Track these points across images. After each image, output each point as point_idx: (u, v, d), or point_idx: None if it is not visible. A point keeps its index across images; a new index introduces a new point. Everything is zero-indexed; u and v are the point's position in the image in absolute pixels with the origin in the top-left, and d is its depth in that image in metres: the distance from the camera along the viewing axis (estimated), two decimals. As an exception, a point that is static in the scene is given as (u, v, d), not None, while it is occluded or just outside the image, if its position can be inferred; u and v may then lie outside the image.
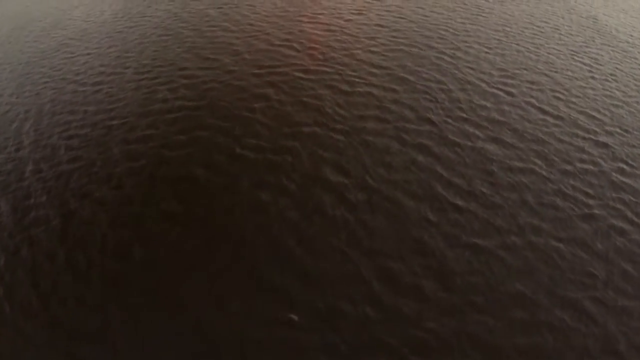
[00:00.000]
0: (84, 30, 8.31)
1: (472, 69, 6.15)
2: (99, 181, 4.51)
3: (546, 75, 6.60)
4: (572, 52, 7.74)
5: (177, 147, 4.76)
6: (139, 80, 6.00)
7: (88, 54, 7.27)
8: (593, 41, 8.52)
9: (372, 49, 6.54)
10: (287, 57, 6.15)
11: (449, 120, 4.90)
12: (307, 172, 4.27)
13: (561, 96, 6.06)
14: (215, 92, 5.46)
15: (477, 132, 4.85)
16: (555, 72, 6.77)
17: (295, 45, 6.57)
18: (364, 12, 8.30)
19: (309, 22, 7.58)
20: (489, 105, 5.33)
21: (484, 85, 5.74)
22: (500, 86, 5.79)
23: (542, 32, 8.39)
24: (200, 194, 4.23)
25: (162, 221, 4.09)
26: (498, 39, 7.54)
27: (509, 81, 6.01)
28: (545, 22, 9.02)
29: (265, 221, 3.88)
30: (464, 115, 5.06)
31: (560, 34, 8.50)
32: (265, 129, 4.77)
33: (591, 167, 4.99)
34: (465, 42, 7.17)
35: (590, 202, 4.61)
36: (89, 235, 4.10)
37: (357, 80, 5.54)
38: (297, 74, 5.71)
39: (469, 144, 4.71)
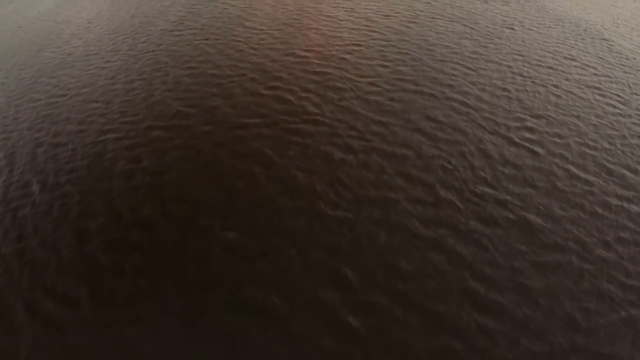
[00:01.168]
0: (54, 68, 7.52)
1: (489, 118, 5.40)
2: (50, 284, 3.70)
3: (569, 120, 5.86)
4: (593, 86, 7.02)
5: (137, 240, 3.95)
6: (100, 139, 5.20)
7: (54, 103, 6.46)
8: (612, 70, 7.82)
9: (374, 95, 5.76)
10: (276, 110, 5.34)
11: (471, 197, 4.12)
12: (299, 282, 3.47)
13: (589, 149, 5.31)
14: (187, 161, 4.64)
15: (503, 211, 4.08)
16: (579, 115, 6.03)
17: (285, 92, 5.78)
18: (362, 45, 7.55)
19: (301, 61, 6.80)
20: (513, 170, 4.56)
21: (504, 141, 4.98)
22: (522, 141, 5.03)
23: (557, 62, 7.69)
24: (165, 308, 3.43)
25: (120, 352, 3.29)
26: (513, 75, 6.82)
27: (531, 134, 5.26)
28: (559, 50, 8.33)
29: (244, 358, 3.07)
30: (487, 186, 4.28)
31: (576, 64, 7.80)
32: (246, 217, 3.96)
33: (635, 248, 4.23)
34: (479, 81, 6.43)
35: (634, 298, 3.84)
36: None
37: (358, 141, 4.75)
38: (287, 134, 4.91)
39: (497, 229, 3.94)
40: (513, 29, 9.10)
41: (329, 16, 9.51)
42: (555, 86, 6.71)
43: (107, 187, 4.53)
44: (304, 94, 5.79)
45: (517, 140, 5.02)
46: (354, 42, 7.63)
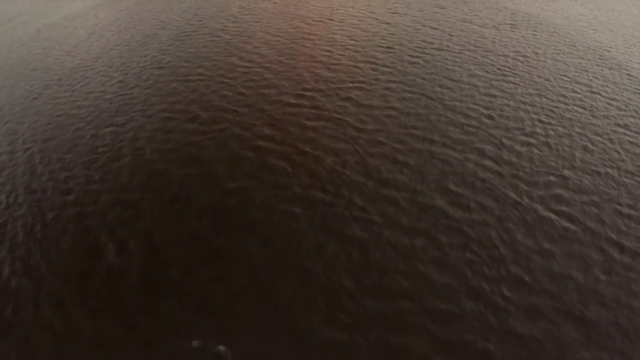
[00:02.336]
0: (26, 109, 6.81)
1: (513, 183, 4.66)
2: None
3: (601, 172, 5.11)
4: (621, 124, 6.29)
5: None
6: (60, 208, 4.47)
7: (30, 148, 5.73)
8: (637, 103, 7.10)
9: (380, 154, 5.01)
10: (265, 181, 4.51)
11: (501, 301, 3.38)
12: None
13: (626, 218, 4.51)
14: (162, 245, 3.90)
15: (545, 310, 3.36)
16: (611, 165, 5.28)
17: (278, 153, 5.00)
18: (365, 83, 6.83)
19: (296, 107, 6.06)
20: (546, 258, 3.81)
21: (533, 215, 4.24)
22: (552, 213, 4.29)
23: (580, 98, 6.97)
24: None
25: None
26: (534, 120, 6.07)
27: (561, 200, 4.53)
28: (579, 81, 7.63)
29: None
30: (520, 285, 3.54)
31: (600, 98, 7.08)
32: (231, 318, 3.25)
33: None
34: (498, 126, 5.71)
35: None
36: None
37: (362, 222, 3.98)
38: (286, 206, 4.15)
39: (537, 335, 3.22)
40: (527, 57, 8.40)
41: (328, 44, 8.79)
42: (582, 127, 5.98)
43: (64, 279, 3.82)
44: (306, 149, 5.05)
45: (546, 213, 4.28)
46: (356, 80, 6.91)
